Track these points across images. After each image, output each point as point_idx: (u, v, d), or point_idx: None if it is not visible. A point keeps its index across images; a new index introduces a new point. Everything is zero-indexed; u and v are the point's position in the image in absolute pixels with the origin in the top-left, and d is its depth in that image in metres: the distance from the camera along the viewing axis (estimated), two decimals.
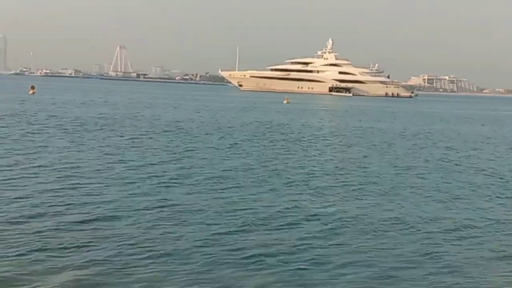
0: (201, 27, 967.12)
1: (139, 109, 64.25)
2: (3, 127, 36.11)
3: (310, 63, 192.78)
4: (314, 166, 25.99)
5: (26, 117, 44.68)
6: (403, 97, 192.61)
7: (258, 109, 74.46)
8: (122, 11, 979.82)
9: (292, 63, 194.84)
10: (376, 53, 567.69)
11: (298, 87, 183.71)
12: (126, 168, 22.35)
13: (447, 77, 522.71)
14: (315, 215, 16.06)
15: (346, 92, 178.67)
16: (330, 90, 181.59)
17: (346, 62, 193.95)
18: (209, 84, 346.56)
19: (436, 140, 41.77)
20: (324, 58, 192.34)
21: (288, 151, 31.22)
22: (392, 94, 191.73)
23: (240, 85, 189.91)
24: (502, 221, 16.59)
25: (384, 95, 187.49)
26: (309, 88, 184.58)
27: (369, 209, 17.34)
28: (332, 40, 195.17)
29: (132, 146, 29.54)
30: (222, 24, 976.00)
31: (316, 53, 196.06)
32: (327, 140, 39.13)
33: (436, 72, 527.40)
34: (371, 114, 78.98)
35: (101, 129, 38.42)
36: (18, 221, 13.99)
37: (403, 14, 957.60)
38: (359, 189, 20.38)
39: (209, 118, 53.29)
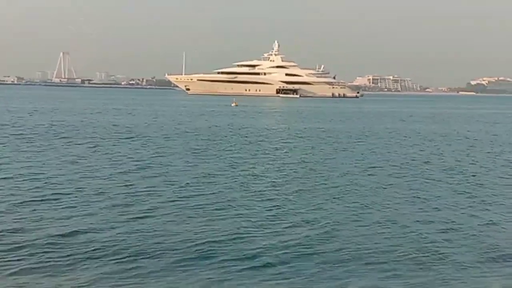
0: (146, 32, 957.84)
1: (94, 115, 63.38)
2: None
3: (257, 65, 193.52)
4: (268, 168, 26.36)
5: None
6: (350, 97, 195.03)
7: (208, 113, 74.45)
8: (63, 15, 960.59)
9: (239, 65, 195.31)
10: (322, 54, 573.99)
11: (246, 90, 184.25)
12: (96, 178, 21.84)
13: (391, 77, 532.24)
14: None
15: (293, 94, 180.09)
16: (277, 92, 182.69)
17: (293, 64, 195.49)
18: (156, 88, 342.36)
19: (382, 138, 43.11)
20: (271, 61, 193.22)
21: (241, 154, 31.46)
22: (339, 94, 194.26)
23: (188, 89, 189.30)
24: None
25: (331, 95, 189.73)
26: (256, 90, 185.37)
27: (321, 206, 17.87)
28: (278, 42, 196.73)
29: (99, 154, 29.20)
30: (168, 28, 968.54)
31: (263, 55, 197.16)
32: (279, 142, 39.41)
33: (380, 72, 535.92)
34: (319, 115, 79.92)
35: (61, 137, 37.81)
36: None
37: (347, 14, 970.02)
38: (314, 190, 20.82)
39: (166, 124, 53.17)
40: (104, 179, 21.64)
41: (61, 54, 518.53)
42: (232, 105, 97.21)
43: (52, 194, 18.36)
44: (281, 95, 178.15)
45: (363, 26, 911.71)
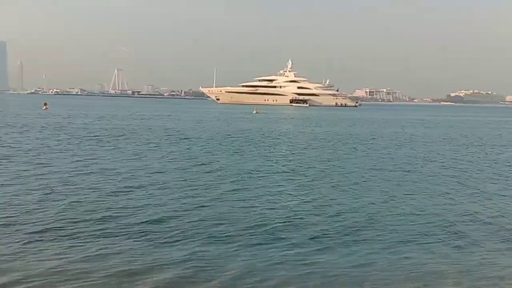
0: (184, 51, 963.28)
1: (148, 121, 62.58)
2: (25, 136, 35.70)
3: (274, 80, 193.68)
4: (291, 163, 25.98)
5: (41, 128, 44.27)
6: (350, 106, 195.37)
7: (236, 119, 74.42)
8: (117, 39, 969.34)
9: (259, 80, 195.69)
10: (327, 71, 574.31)
11: (265, 100, 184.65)
12: (160, 173, 21.30)
13: (384, 90, 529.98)
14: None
15: (303, 103, 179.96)
16: (290, 102, 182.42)
17: (303, 79, 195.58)
18: (192, 98, 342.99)
19: (381, 139, 42.55)
20: (286, 76, 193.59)
21: (263, 151, 31.43)
22: (341, 104, 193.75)
23: (218, 99, 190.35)
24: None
25: (334, 105, 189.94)
26: (273, 100, 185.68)
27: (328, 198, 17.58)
28: (291, 61, 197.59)
29: (158, 152, 28.56)
30: (202, 49, 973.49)
31: (279, 72, 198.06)
32: (296, 142, 38.93)
33: (375, 85, 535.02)
34: (326, 120, 79.61)
35: (125, 138, 37.45)
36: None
37: (347, 40, 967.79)
38: (328, 183, 20.18)
39: (206, 127, 53.03)
40: (167, 173, 21.19)
41: (116, 70, 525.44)
42: (254, 112, 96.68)
43: (127, 186, 18.08)
44: (293, 104, 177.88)
45: (362, 48, 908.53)
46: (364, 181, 20.81)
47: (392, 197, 17.77)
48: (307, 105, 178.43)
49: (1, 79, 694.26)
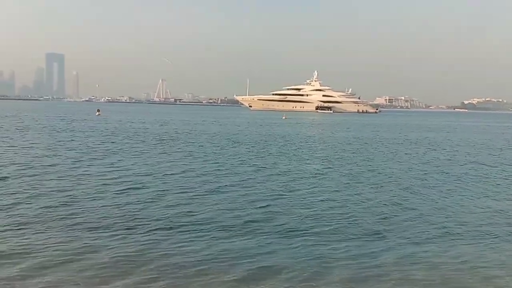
0: (220, 63, 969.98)
1: (195, 126, 62.35)
2: (81, 137, 36.71)
3: (301, 88, 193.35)
4: (317, 163, 25.94)
5: (96, 131, 45.50)
6: (371, 112, 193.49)
7: (269, 124, 74.82)
8: (162, 52, 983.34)
9: (288, 89, 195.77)
10: (350, 80, 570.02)
11: (293, 107, 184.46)
12: (219, 170, 21.67)
13: (403, 97, 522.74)
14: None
15: (328, 110, 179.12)
16: (316, 109, 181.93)
17: (328, 88, 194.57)
18: (227, 105, 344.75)
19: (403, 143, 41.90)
20: (312, 85, 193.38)
21: (292, 152, 31.22)
22: (363, 110, 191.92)
23: (250, 106, 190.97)
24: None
25: (356, 111, 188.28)
26: (300, 107, 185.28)
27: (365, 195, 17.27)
28: (317, 71, 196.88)
29: (210, 153, 28.88)
30: (236, 62, 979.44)
31: (306, 81, 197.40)
32: (323, 144, 38.61)
33: (394, 93, 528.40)
34: (353, 125, 78.73)
35: (182, 141, 37.41)
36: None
37: (369, 50, 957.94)
38: (356, 182, 19.83)
39: (245, 131, 53.08)
40: (223, 171, 21.54)
41: (160, 80, 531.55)
42: (283, 118, 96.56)
43: (192, 183, 17.96)
44: (319, 111, 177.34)
45: (382, 59, 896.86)
46: (406, 182, 20.21)
47: (444, 194, 17.63)
48: (332, 111, 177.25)
49: (59, 87, 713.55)
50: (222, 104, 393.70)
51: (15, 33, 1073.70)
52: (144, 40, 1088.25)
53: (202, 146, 33.41)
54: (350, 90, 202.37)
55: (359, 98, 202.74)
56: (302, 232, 12.01)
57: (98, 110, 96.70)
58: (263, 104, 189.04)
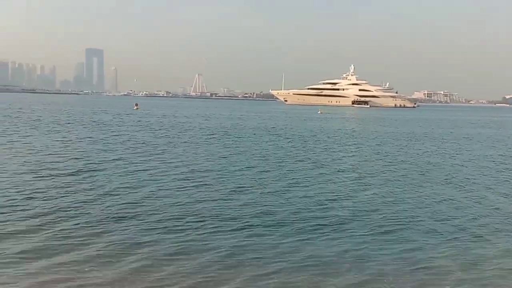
0: (256, 58, 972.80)
1: (246, 121, 62.60)
2: (122, 130, 37.66)
3: (337, 83, 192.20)
4: (356, 157, 26.22)
5: (135, 123, 46.67)
6: (408, 107, 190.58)
7: (305, 118, 74.93)
8: (199, 47, 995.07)
9: (324, 83, 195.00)
10: (387, 74, 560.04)
11: (329, 101, 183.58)
12: (264, 160, 22.36)
13: (442, 92, 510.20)
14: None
15: (364, 104, 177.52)
16: (352, 103, 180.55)
17: (365, 82, 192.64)
18: (263, 100, 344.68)
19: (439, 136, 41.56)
20: (348, 79, 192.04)
21: (329, 147, 31.31)
22: (400, 105, 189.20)
23: (286, 100, 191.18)
24: None
25: (394, 106, 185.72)
26: (336, 102, 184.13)
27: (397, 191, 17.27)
28: (353, 66, 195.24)
29: (255, 145, 29.63)
30: (271, 56, 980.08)
31: (342, 75, 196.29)
32: (359, 139, 38.30)
33: (433, 88, 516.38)
34: (391, 120, 77.81)
35: (230, 134, 38.16)
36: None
37: (408, 43, 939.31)
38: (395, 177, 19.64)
39: (288, 125, 53.73)
40: (264, 162, 22.37)
41: (197, 75, 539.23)
42: (319, 112, 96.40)
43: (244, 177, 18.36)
44: (355, 105, 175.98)
45: (420, 52, 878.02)
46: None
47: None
48: (368, 106, 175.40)
49: (99, 82, 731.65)
50: (257, 99, 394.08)
51: (56, 29, 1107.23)
52: (181, 36, 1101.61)
53: (252, 141, 33.48)
54: (387, 85, 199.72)
55: (396, 92, 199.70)
56: (395, 232, 11.80)
57: (136, 104, 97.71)
58: (298, 99, 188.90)
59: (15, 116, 55.41)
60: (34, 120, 47.96)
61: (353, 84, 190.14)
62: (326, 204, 14.31)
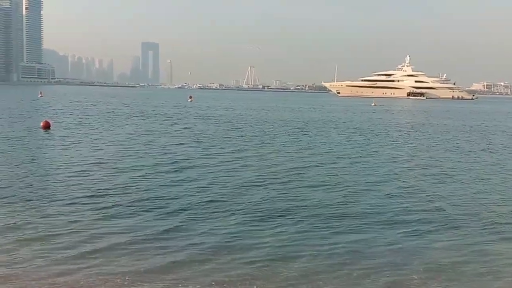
0: (308, 49, 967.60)
1: (306, 113, 62.30)
2: (182, 123, 39.49)
3: (392, 74, 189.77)
4: (411, 149, 26.42)
5: (189, 115, 48.00)
6: (466, 99, 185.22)
7: (359, 110, 74.73)
8: (252, 39, 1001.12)
9: (378, 75, 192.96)
10: (445, 65, 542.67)
11: (383, 93, 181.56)
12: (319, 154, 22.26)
13: (502, 83, 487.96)
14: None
15: (421, 96, 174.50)
16: (408, 95, 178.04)
17: (421, 73, 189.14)
18: (315, 92, 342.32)
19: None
20: (404, 70, 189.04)
21: (387, 139, 31.18)
22: (458, 97, 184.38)
23: (338, 93, 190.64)
24: None
25: (451, 98, 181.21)
26: (391, 93, 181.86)
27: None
28: (409, 56, 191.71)
29: (316, 139, 29.49)
30: (324, 48, 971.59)
31: (397, 66, 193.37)
32: (436, 133, 37.21)
33: (493, 79, 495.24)
34: (451, 113, 75.48)
35: (296, 127, 38.20)
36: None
37: (465, 32, 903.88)
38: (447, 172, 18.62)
39: (341, 117, 53.05)
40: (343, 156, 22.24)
41: (249, 67, 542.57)
42: (372, 105, 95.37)
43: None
44: (411, 97, 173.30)
45: (480, 43, 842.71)
46: None
47: None
48: (424, 98, 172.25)
49: (154, 75, 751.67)
50: (309, 91, 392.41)
51: (113, 23, 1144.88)
52: (235, 28, 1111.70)
53: (320, 135, 33.13)
54: (444, 76, 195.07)
55: (454, 84, 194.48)
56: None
57: (191, 97, 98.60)
58: (351, 91, 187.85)
59: (103, 109, 58.17)
60: (126, 116, 47.37)
61: (408, 75, 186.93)
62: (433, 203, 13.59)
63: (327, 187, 15.29)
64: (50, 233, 9.82)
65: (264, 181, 15.76)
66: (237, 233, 10.29)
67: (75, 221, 10.70)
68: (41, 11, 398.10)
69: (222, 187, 14.57)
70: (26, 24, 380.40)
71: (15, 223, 10.42)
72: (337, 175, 17.40)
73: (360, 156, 22.59)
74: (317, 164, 19.71)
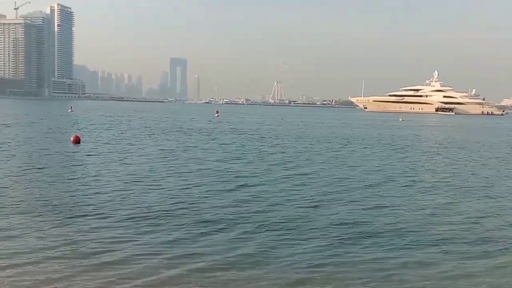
0: (335, 64, 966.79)
1: (338, 128, 62.28)
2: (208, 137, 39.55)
3: (420, 89, 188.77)
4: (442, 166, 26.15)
5: (217, 130, 48.72)
6: (496, 114, 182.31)
7: (386, 125, 74.39)
8: (278, 55, 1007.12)
9: (405, 90, 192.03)
10: (474, 80, 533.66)
11: (411, 108, 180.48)
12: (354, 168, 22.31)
13: None
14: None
15: (449, 112, 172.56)
16: (436, 110, 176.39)
17: (450, 88, 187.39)
18: (342, 107, 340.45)
19: None
20: (432, 86, 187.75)
21: (413, 155, 30.59)
22: (487, 112, 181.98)
23: (365, 108, 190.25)
24: None
25: (481, 113, 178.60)
26: (419, 109, 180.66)
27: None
28: (437, 72, 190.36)
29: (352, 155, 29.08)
30: (349, 65, 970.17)
31: (425, 82, 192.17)
32: (445, 148, 36.91)
33: None
34: (483, 129, 74.02)
35: (327, 141, 38.51)
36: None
37: (494, 48, 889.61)
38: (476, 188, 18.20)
39: (372, 133, 52.08)
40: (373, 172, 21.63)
41: (276, 82, 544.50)
42: (400, 120, 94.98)
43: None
44: (439, 112, 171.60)
45: (508, 58, 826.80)
46: None
47: None
48: (453, 113, 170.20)
49: (182, 90, 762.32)
50: (335, 106, 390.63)
51: (142, 39, 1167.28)
52: (259, 42, 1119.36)
53: (354, 151, 32.34)
54: (474, 91, 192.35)
55: (483, 99, 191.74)
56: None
57: (217, 112, 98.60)
58: (378, 106, 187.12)
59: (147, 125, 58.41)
60: (161, 131, 47.20)
61: (437, 90, 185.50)
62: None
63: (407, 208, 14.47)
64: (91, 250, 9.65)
65: (327, 200, 15.24)
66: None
67: (119, 237, 10.59)
68: (72, 27, 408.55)
69: (292, 206, 14.10)
70: (58, 40, 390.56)
71: (55, 240, 10.16)
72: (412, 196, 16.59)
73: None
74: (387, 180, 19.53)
